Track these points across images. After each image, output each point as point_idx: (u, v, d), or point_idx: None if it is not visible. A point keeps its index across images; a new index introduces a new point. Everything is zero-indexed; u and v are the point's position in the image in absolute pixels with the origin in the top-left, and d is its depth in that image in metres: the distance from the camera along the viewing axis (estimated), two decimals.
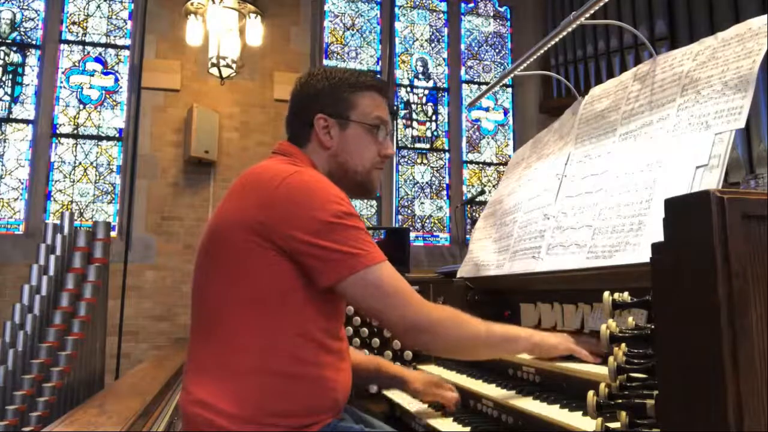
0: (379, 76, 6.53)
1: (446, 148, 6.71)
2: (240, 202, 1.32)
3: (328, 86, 1.47)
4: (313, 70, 1.55)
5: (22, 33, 5.76)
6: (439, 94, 6.81)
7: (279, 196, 1.26)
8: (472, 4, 7.07)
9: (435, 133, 6.72)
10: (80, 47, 5.88)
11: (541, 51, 2.13)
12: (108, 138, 5.79)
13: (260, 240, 1.25)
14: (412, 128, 6.64)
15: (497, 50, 7.07)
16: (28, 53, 5.75)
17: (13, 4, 5.75)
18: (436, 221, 6.56)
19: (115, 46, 5.96)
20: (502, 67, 6.97)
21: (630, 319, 1.02)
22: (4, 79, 5.62)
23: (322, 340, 1.30)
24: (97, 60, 5.89)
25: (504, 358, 1.71)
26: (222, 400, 1.23)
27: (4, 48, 5.67)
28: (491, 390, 1.59)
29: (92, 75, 5.85)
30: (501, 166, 6.77)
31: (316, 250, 1.23)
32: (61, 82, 5.74)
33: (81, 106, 5.76)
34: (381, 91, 1.53)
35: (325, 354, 1.30)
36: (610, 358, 0.94)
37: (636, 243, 1.30)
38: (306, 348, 1.28)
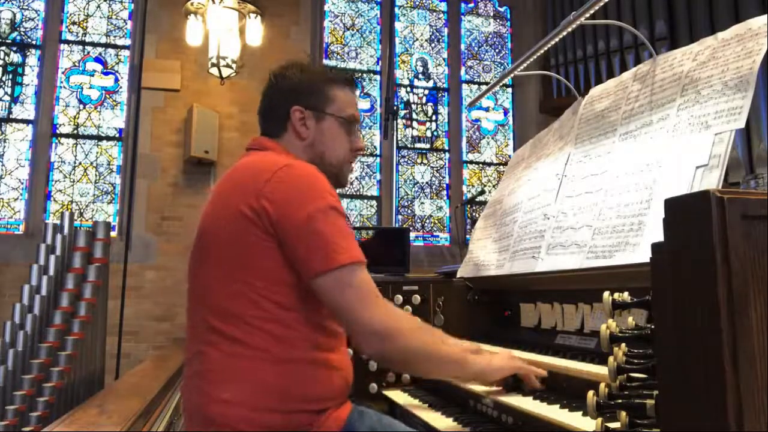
0: (378, 76, 6.54)
1: (446, 148, 6.71)
2: (231, 199, 1.32)
3: (305, 79, 1.52)
4: (286, 65, 1.57)
5: (22, 33, 5.75)
6: (439, 94, 6.81)
7: (273, 188, 1.28)
8: (472, 4, 7.06)
9: (435, 133, 6.71)
10: (80, 47, 5.87)
11: (541, 51, 2.13)
12: (108, 138, 5.78)
13: (261, 234, 1.27)
14: (412, 128, 6.64)
15: (497, 50, 7.07)
16: (28, 53, 5.75)
17: (13, 4, 5.74)
18: (436, 221, 6.56)
19: (115, 46, 5.96)
20: (502, 67, 6.97)
21: (630, 319, 1.02)
22: (4, 79, 5.62)
23: (329, 325, 1.34)
24: (97, 60, 5.89)
25: None
26: (248, 396, 1.25)
27: (4, 48, 5.67)
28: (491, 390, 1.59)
29: (92, 75, 5.84)
30: (501, 166, 6.77)
31: (298, 243, 1.26)
32: (61, 82, 5.74)
33: (81, 106, 5.76)
34: (353, 86, 1.58)
35: (332, 338, 1.36)
36: (610, 358, 0.94)
37: (636, 243, 1.30)
38: (318, 333, 1.32)
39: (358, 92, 1.61)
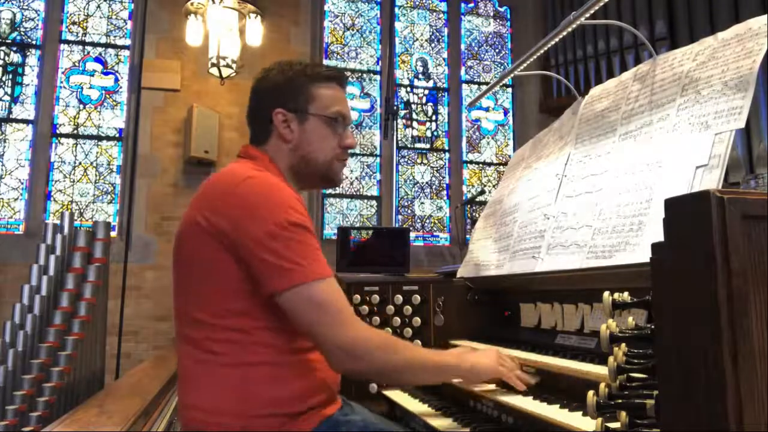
0: (378, 76, 6.53)
1: (446, 148, 6.71)
2: (196, 210, 1.33)
3: (285, 80, 1.48)
4: (269, 66, 1.54)
5: (22, 33, 5.75)
6: (439, 94, 6.81)
7: (229, 203, 1.28)
8: (472, 4, 7.07)
9: (435, 133, 6.72)
10: (80, 47, 5.88)
11: (541, 51, 2.13)
12: (108, 138, 5.79)
13: (219, 248, 1.27)
14: (412, 128, 6.64)
15: (497, 50, 7.07)
16: (28, 53, 5.75)
17: (13, 4, 5.75)
18: (436, 221, 6.56)
19: (115, 46, 5.96)
20: (502, 67, 6.97)
21: (630, 319, 1.02)
22: (4, 79, 5.62)
23: (293, 330, 1.31)
24: (97, 60, 5.89)
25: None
26: (211, 401, 1.26)
27: (4, 48, 5.67)
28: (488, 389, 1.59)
29: (92, 75, 5.85)
30: (501, 166, 6.77)
31: (256, 260, 1.24)
32: (61, 82, 5.74)
33: (81, 106, 5.76)
34: (339, 81, 1.53)
35: (302, 341, 1.32)
36: (610, 358, 0.94)
37: (636, 243, 1.30)
38: (281, 338, 1.30)
39: (346, 87, 1.56)
